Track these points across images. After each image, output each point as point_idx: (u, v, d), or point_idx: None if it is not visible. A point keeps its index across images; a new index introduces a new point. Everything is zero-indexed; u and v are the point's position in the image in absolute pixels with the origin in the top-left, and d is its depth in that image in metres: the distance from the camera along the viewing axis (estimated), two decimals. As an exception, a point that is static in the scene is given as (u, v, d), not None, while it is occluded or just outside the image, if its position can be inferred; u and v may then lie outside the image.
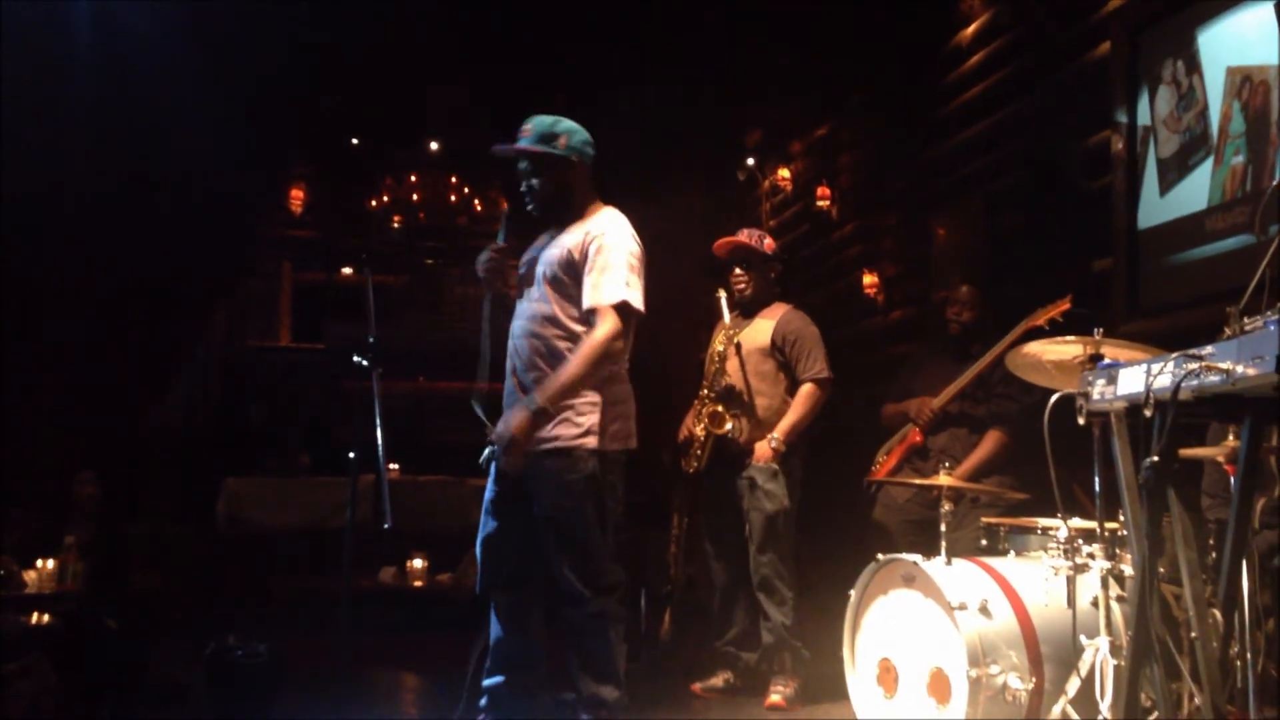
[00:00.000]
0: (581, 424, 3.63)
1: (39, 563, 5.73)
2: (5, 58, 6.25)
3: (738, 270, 5.01)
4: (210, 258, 8.96)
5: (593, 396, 3.65)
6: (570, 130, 3.77)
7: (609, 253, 3.62)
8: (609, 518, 3.68)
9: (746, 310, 5.03)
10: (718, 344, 5.00)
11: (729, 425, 4.85)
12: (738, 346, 4.95)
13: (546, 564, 3.70)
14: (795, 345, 4.88)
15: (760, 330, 4.95)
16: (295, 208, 9.28)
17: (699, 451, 4.92)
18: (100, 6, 6.51)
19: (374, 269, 4.01)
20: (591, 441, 3.63)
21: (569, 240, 3.68)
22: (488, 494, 3.83)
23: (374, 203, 9.91)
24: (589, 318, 3.60)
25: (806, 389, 4.86)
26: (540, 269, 3.71)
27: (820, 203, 7.55)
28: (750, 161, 8.52)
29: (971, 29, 6.04)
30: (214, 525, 7.22)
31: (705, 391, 4.97)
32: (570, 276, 3.65)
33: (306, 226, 9.68)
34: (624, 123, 8.52)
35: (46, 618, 5.21)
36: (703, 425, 4.91)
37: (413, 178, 9.84)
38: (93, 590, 5.69)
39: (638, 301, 3.62)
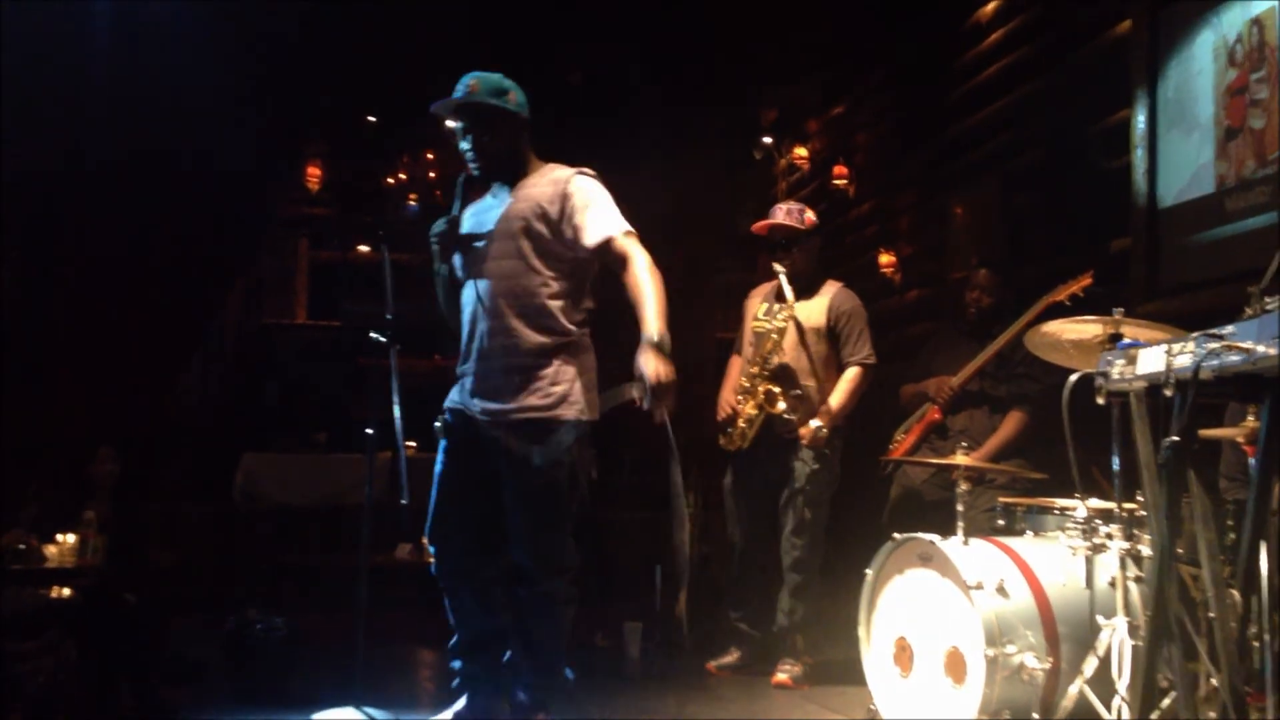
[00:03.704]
0: (555, 393, 3.48)
1: (59, 537, 5.76)
2: (23, 35, 6.26)
3: (780, 251, 4.88)
4: (227, 235, 8.98)
5: (569, 366, 3.52)
6: (515, 88, 3.62)
7: (591, 192, 3.52)
8: (577, 494, 3.56)
9: (796, 289, 4.88)
10: (777, 320, 4.83)
11: (782, 405, 4.74)
12: (797, 325, 4.83)
13: (504, 539, 3.58)
14: (847, 325, 4.80)
15: (813, 310, 4.85)
16: (312, 185, 9.28)
17: (746, 429, 4.83)
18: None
19: (391, 246, 3.96)
20: (567, 412, 3.48)
21: (538, 194, 3.55)
22: (439, 468, 3.68)
23: (391, 180, 9.91)
24: (596, 252, 3.47)
25: (852, 373, 4.78)
26: (507, 225, 3.55)
27: (837, 181, 7.53)
28: (767, 140, 8.50)
29: (991, 6, 6.00)
30: (231, 502, 7.26)
31: (755, 369, 4.82)
32: (547, 227, 3.51)
33: (323, 204, 9.69)
34: (640, 101, 8.52)
35: (66, 592, 5.25)
36: (755, 403, 4.81)
37: (429, 155, 9.84)
38: (112, 565, 5.72)
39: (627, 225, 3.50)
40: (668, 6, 7.41)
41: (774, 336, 4.81)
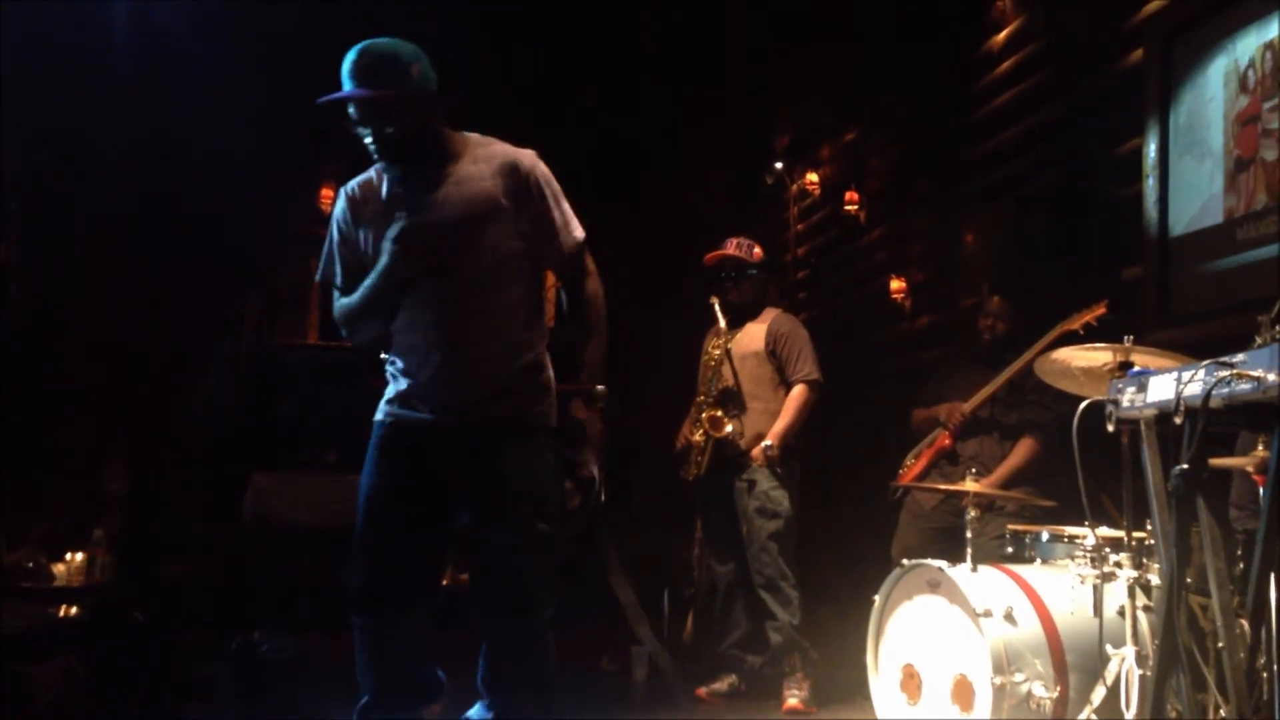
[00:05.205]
0: (547, 398, 3.14)
1: (67, 555, 5.77)
2: (42, 50, 6.31)
3: (728, 282, 5.10)
4: (241, 255, 9.02)
5: (549, 373, 3.17)
6: (414, 56, 3.10)
7: (554, 184, 3.15)
8: (558, 511, 3.13)
9: (738, 318, 5.11)
10: (712, 350, 5.10)
11: (729, 428, 4.94)
12: (728, 353, 5.03)
13: (437, 569, 3.18)
14: (785, 346, 4.98)
15: (752, 336, 5.04)
16: (326, 206, 9.32)
17: (699, 458, 5.00)
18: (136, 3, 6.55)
19: None
20: (553, 418, 3.15)
21: (495, 175, 3.09)
22: (379, 483, 3.13)
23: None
24: (569, 254, 3.15)
25: (796, 391, 4.94)
26: (470, 213, 3.06)
27: (848, 207, 7.54)
28: (778, 165, 8.52)
29: (1003, 34, 6.01)
30: (241, 520, 7.26)
31: (701, 398, 5.06)
32: (516, 214, 3.09)
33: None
34: (653, 126, 8.55)
35: (74, 610, 5.25)
36: (702, 431, 4.97)
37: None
38: (120, 583, 5.73)
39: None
40: (683, 31, 7.45)
41: (713, 364, 5.05)
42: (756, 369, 4.99)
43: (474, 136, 3.21)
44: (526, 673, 3.08)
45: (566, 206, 3.17)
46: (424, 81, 3.09)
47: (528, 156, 3.15)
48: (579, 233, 3.18)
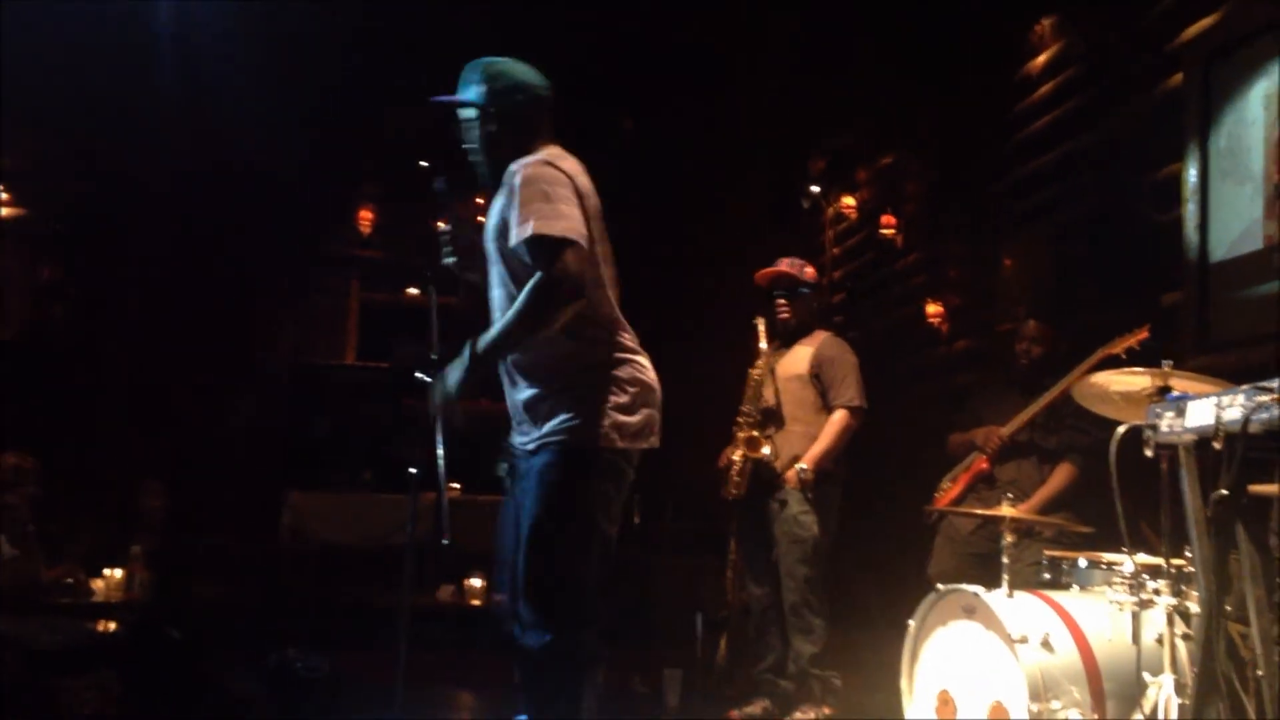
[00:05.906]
0: (572, 416, 3.01)
1: (106, 572, 5.83)
2: (87, 79, 6.40)
3: (780, 300, 5.07)
4: (279, 275, 9.11)
5: (591, 376, 3.05)
6: (488, 75, 3.16)
7: (531, 185, 2.97)
8: (596, 532, 3.02)
9: (787, 338, 5.12)
10: (755, 371, 5.08)
11: (766, 449, 4.92)
12: (773, 374, 5.01)
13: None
14: (830, 370, 4.95)
15: (799, 357, 5.02)
16: (364, 228, 9.40)
17: (738, 477, 4.96)
18: (177, 9, 6.60)
19: (439, 289, 3.95)
20: (588, 435, 3.00)
21: (496, 203, 3.13)
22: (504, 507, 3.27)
23: (441, 224, 9.96)
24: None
25: (837, 416, 4.91)
26: (490, 240, 3.18)
27: (885, 231, 7.53)
28: (815, 189, 8.52)
29: (1042, 59, 6.00)
30: (277, 538, 7.31)
31: (743, 418, 5.04)
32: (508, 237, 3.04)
33: (375, 247, 9.80)
34: (689, 149, 8.57)
35: (112, 626, 5.30)
36: (740, 450, 4.95)
37: (479, 199, 9.91)
38: (157, 600, 5.78)
39: (561, 229, 2.90)
40: (718, 55, 7.47)
41: (755, 384, 5.04)
42: (799, 391, 4.97)
43: (545, 149, 3.15)
44: (530, 692, 3.01)
45: (537, 205, 2.94)
46: (487, 98, 3.16)
47: (517, 165, 3.04)
48: (529, 229, 2.91)
